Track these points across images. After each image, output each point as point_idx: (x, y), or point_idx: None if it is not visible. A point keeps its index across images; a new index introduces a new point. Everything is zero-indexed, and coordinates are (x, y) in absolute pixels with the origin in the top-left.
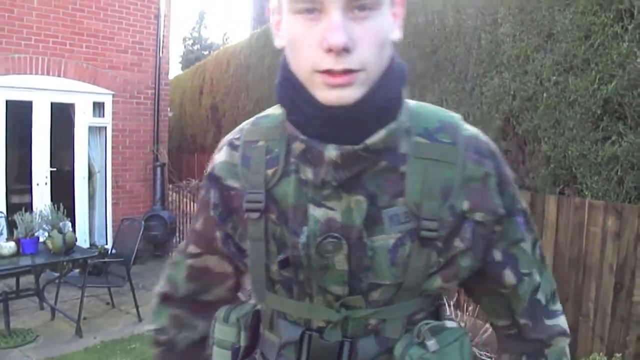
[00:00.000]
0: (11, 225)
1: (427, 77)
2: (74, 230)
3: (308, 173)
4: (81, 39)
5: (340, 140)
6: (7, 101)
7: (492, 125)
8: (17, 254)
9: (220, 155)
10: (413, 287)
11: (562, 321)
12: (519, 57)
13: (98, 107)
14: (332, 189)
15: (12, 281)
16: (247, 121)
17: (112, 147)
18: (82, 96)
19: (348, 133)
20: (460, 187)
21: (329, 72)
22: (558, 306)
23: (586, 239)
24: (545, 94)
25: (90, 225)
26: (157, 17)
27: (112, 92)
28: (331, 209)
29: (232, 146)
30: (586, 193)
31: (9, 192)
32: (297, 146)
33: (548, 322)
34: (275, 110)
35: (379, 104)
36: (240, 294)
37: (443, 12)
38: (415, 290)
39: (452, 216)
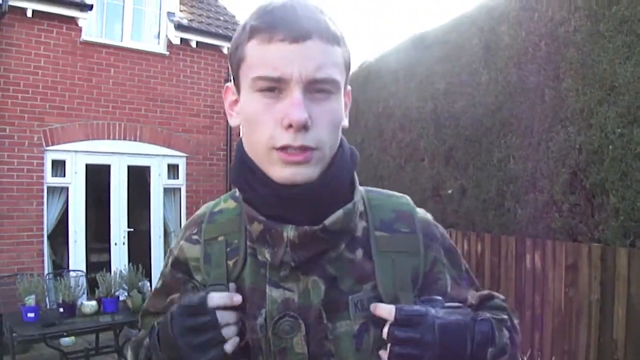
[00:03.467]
0: (90, 284)
1: (493, 133)
2: (150, 288)
3: (266, 254)
4: (155, 105)
5: (298, 222)
6: (87, 165)
7: (560, 179)
8: (98, 312)
9: (181, 251)
10: None
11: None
12: (582, 111)
13: (172, 169)
14: (289, 270)
15: (92, 337)
16: (201, 214)
17: (187, 208)
18: (157, 159)
19: (306, 214)
20: (423, 272)
21: (285, 149)
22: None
23: None
24: (610, 147)
25: None
26: (227, 80)
27: (186, 155)
28: (289, 290)
29: (191, 241)
30: None
31: (88, 251)
32: (256, 227)
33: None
34: (227, 203)
35: (333, 184)
36: None
37: (505, 69)
38: None
39: (415, 298)
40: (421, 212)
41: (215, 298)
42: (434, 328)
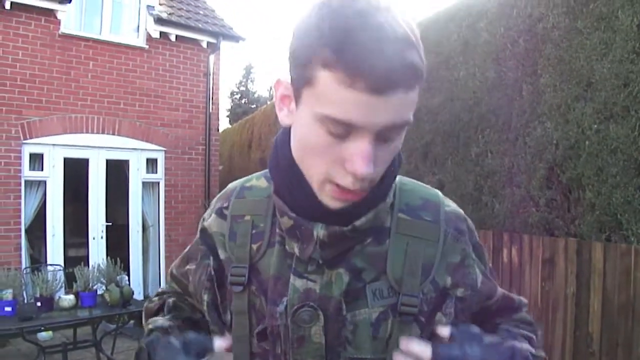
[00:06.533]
0: (68, 278)
1: (471, 128)
2: (128, 282)
3: (295, 248)
4: (134, 98)
5: (328, 220)
6: (64, 159)
7: (537, 174)
8: (76, 306)
9: (210, 224)
10: None
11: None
12: (559, 107)
13: (151, 164)
14: (316, 264)
15: (70, 332)
16: (233, 187)
17: (165, 202)
18: (135, 153)
19: (337, 217)
20: (441, 263)
21: (342, 187)
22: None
23: (634, 285)
24: (587, 142)
25: (145, 278)
26: (206, 75)
27: (165, 149)
28: (312, 280)
29: (221, 215)
30: (632, 239)
31: (66, 246)
32: (286, 221)
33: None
34: (259, 181)
35: (377, 197)
36: None
37: (484, 65)
38: None
39: (435, 292)
40: (452, 206)
41: (218, 345)
42: None
